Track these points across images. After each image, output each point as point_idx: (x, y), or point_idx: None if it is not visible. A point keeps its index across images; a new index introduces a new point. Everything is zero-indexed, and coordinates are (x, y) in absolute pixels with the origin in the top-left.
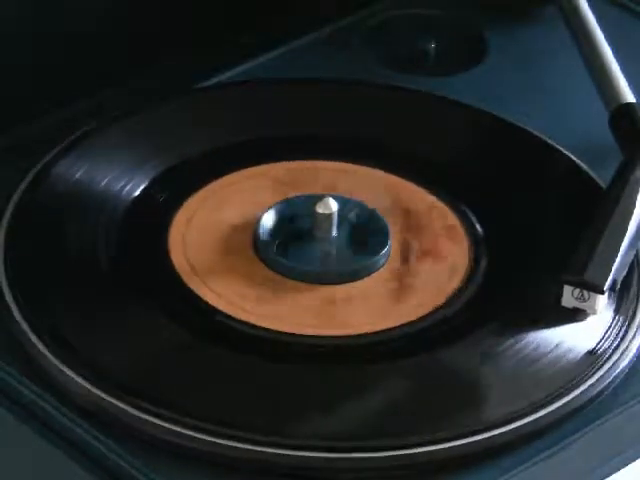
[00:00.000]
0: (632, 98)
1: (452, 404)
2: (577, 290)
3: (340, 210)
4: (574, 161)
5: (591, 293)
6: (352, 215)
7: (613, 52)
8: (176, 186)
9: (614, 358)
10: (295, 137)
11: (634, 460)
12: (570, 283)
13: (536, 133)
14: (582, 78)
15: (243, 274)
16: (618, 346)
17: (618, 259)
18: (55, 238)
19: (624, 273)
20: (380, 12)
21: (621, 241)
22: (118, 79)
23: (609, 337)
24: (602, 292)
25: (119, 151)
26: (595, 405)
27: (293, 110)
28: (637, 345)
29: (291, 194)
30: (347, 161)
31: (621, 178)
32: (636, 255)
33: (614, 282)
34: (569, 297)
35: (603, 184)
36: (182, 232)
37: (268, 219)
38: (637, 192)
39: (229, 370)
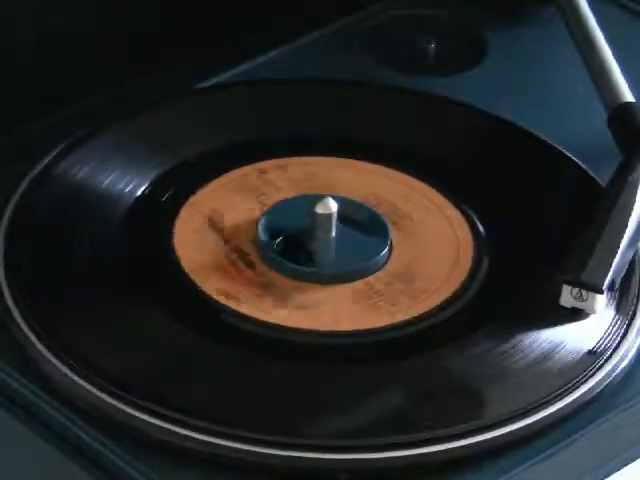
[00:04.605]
0: (631, 98)
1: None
2: (576, 290)
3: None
4: (574, 161)
5: (590, 293)
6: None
7: (613, 52)
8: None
9: (614, 358)
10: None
11: (634, 460)
12: (569, 283)
13: (536, 133)
14: (581, 78)
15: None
16: (618, 346)
17: (617, 259)
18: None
19: (623, 273)
20: (380, 12)
21: (620, 241)
22: (118, 79)
23: (609, 337)
24: (601, 292)
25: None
26: (595, 405)
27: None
28: (637, 345)
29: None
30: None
31: (620, 178)
32: (635, 255)
33: (613, 282)
34: (568, 297)
35: (603, 184)
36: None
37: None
38: (636, 192)
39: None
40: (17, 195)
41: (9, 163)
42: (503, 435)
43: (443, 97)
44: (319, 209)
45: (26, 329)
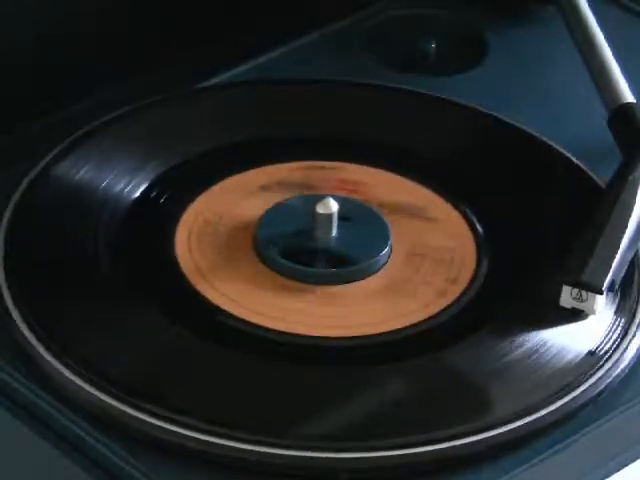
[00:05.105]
0: (632, 98)
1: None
2: (575, 290)
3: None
4: (574, 161)
5: (589, 293)
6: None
7: (613, 52)
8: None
9: (614, 358)
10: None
11: (634, 460)
12: (568, 283)
13: (536, 133)
14: (582, 78)
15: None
16: (618, 346)
17: (617, 259)
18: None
19: (623, 273)
20: (380, 12)
21: (620, 241)
22: (118, 79)
23: (609, 337)
24: (600, 292)
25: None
26: (595, 405)
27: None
28: (637, 345)
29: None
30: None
31: (620, 178)
32: (635, 255)
33: (613, 282)
34: (568, 297)
35: (603, 184)
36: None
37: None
38: (636, 192)
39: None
40: (17, 195)
41: (9, 163)
42: (503, 435)
43: (443, 97)
44: (319, 209)
45: (26, 329)
